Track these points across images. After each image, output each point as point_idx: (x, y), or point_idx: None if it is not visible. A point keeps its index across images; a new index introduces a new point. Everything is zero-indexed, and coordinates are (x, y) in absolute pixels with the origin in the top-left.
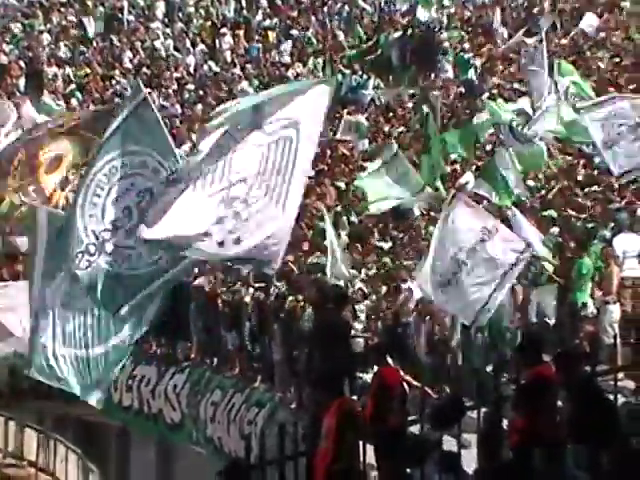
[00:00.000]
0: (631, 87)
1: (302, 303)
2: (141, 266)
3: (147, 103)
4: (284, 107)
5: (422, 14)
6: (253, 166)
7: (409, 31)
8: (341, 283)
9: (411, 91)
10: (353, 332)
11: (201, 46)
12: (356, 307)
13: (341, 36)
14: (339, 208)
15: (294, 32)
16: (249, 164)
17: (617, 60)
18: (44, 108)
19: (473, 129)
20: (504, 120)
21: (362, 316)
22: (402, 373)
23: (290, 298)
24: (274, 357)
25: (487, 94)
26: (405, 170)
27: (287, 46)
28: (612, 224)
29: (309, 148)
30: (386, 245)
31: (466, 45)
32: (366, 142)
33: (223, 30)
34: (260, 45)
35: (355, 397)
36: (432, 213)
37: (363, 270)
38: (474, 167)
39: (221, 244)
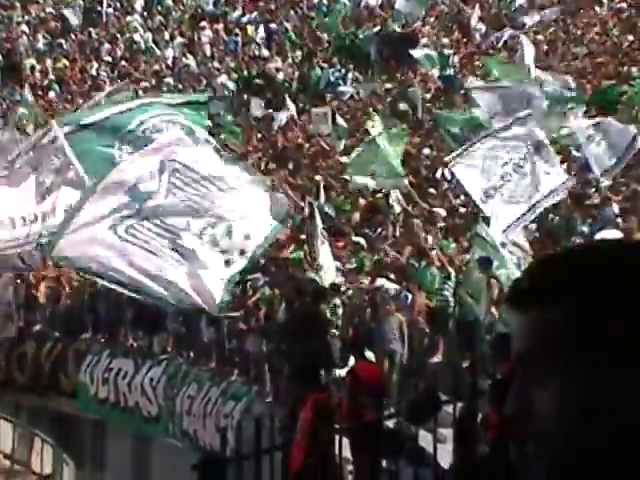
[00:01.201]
0: (607, 83)
1: (279, 297)
2: None
3: None
4: None
5: (402, 5)
6: None
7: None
8: (317, 278)
9: (388, 86)
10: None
11: (180, 39)
12: (333, 302)
13: (320, 30)
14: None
15: (273, 26)
16: None
17: (593, 56)
18: (23, 101)
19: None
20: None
21: (339, 311)
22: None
23: (267, 292)
24: (251, 350)
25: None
26: (384, 153)
27: (263, 38)
28: (590, 220)
29: None
30: (363, 240)
31: (444, 40)
32: (342, 142)
33: (202, 23)
34: (239, 39)
35: (331, 391)
36: (409, 209)
37: (339, 264)
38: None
39: None
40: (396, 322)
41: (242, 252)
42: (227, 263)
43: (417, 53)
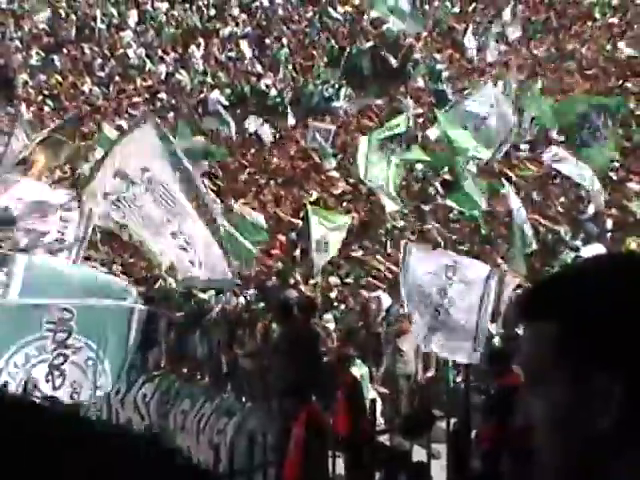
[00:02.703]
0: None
1: (271, 312)
2: None
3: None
4: None
5: (395, 24)
6: None
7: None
8: (308, 292)
9: (380, 101)
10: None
11: (172, 54)
12: (324, 316)
13: (313, 46)
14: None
15: (266, 41)
16: None
17: (587, 71)
18: (16, 118)
19: None
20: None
21: (331, 326)
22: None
23: (260, 306)
24: (244, 366)
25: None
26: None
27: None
28: (582, 234)
29: None
30: (359, 254)
31: (437, 56)
32: (333, 161)
33: (195, 39)
34: (232, 54)
35: (324, 407)
36: (403, 222)
37: (337, 279)
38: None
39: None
40: (411, 341)
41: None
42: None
43: (417, 72)
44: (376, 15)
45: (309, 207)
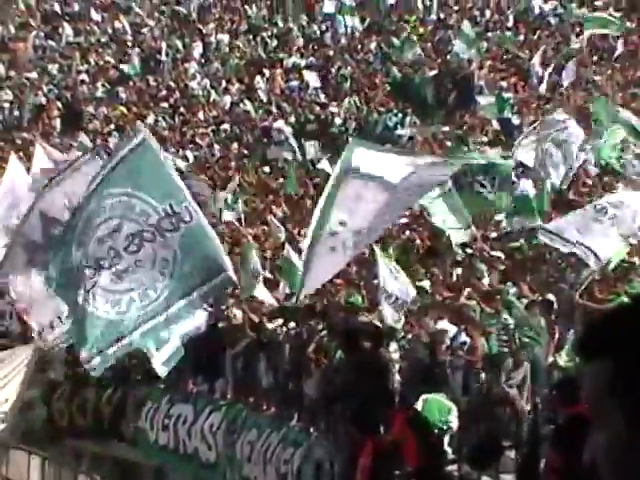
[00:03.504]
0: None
1: (336, 342)
2: (131, 310)
3: (148, 144)
4: None
5: (461, 49)
6: None
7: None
8: (376, 321)
9: (446, 129)
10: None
11: (237, 85)
12: (390, 346)
13: (376, 75)
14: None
15: (330, 71)
16: None
17: None
18: (81, 147)
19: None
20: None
21: (396, 355)
22: None
23: (325, 337)
24: (310, 395)
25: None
26: (457, 205)
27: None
28: None
29: None
30: (426, 284)
31: (503, 84)
32: None
33: (259, 70)
34: (296, 83)
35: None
36: (468, 250)
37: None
38: None
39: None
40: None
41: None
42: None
43: (483, 100)
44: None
45: (376, 249)
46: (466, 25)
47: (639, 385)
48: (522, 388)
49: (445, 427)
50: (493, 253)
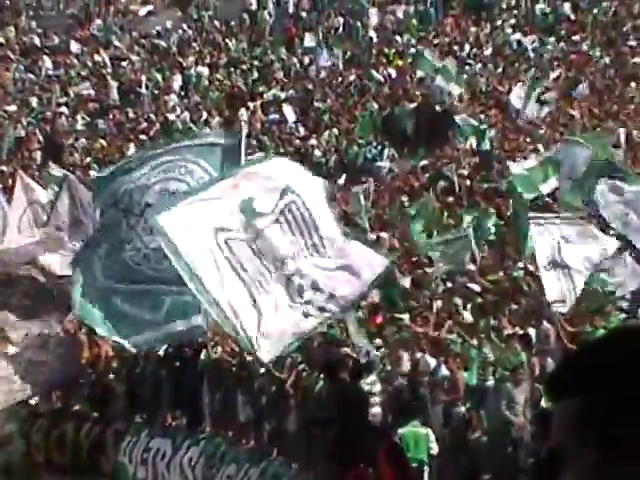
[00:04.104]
0: None
1: (316, 374)
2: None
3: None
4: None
5: (442, 84)
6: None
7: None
8: (354, 354)
9: (425, 162)
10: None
11: (217, 118)
12: (369, 378)
13: (356, 108)
14: None
15: (310, 104)
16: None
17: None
18: (51, 179)
19: None
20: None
21: (376, 387)
22: None
23: (304, 369)
24: (289, 429)
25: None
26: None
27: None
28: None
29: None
30: (406, 317)
31: (481, 116)
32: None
33: (240, 103)
34: (276, 116)
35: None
36: (449, 284)
37: (379, 340)
38: None
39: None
40: (436, 398)
41: (322, 309)
42: (305, 316)
43: (460, 120)
44: (421, 75)
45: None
46: (449, 62)
47: (612, 418)
48: (524, 412)
49: (424, 458)
50: (470, 286)
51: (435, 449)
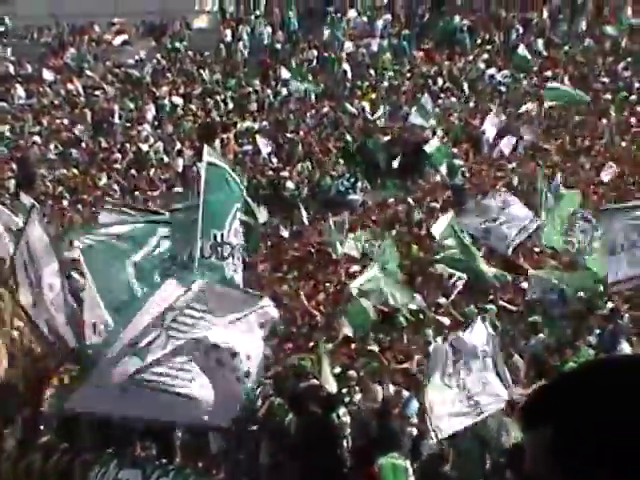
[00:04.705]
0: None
1: (286, 406)
2: None
3: None
4: None
5: (416, 119)
6: None
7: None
8: (327, 387)
9: (398, 194)
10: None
11: (189, 151)
12: (340, 411)
13: (329, 140)
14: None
15: (283, 135)
16: None
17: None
18: (19, 208)
19: None
20: None
21: (345, 419)
22: None
23: (276, 401)
24: (261, 460)
25: None
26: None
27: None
28: (598, 330)
29: None
30: (376, 348)
31: (454, 150)
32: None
33: (213, 134)
34: (249, 147)
35: None
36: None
37: (351, 373)
38: None
39: None
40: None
41: (247, 374)
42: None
43: (429, 147)
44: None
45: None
46: (425, 99)
47: (578, 450)
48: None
49: None
50: (440, 318)
51: None
